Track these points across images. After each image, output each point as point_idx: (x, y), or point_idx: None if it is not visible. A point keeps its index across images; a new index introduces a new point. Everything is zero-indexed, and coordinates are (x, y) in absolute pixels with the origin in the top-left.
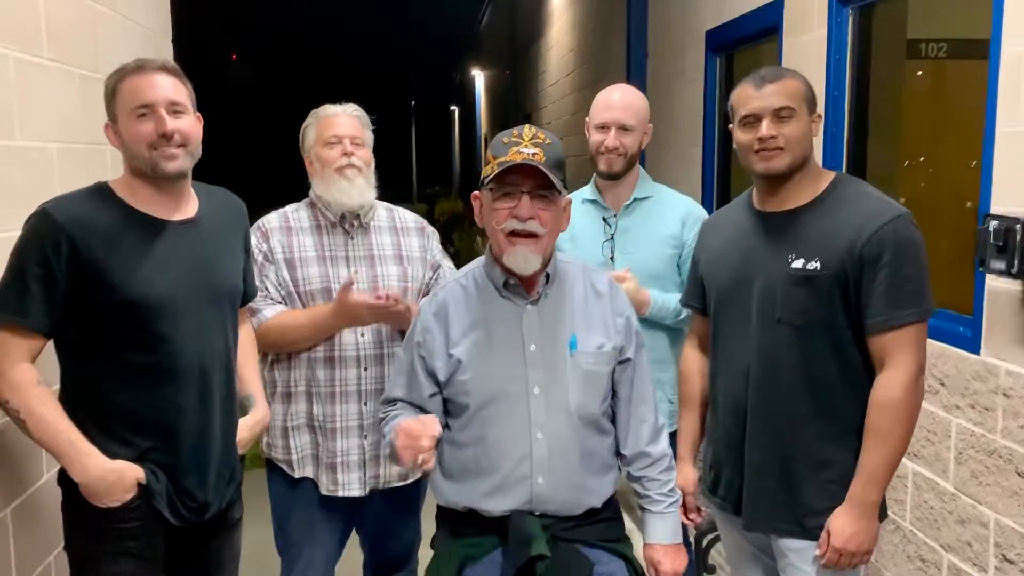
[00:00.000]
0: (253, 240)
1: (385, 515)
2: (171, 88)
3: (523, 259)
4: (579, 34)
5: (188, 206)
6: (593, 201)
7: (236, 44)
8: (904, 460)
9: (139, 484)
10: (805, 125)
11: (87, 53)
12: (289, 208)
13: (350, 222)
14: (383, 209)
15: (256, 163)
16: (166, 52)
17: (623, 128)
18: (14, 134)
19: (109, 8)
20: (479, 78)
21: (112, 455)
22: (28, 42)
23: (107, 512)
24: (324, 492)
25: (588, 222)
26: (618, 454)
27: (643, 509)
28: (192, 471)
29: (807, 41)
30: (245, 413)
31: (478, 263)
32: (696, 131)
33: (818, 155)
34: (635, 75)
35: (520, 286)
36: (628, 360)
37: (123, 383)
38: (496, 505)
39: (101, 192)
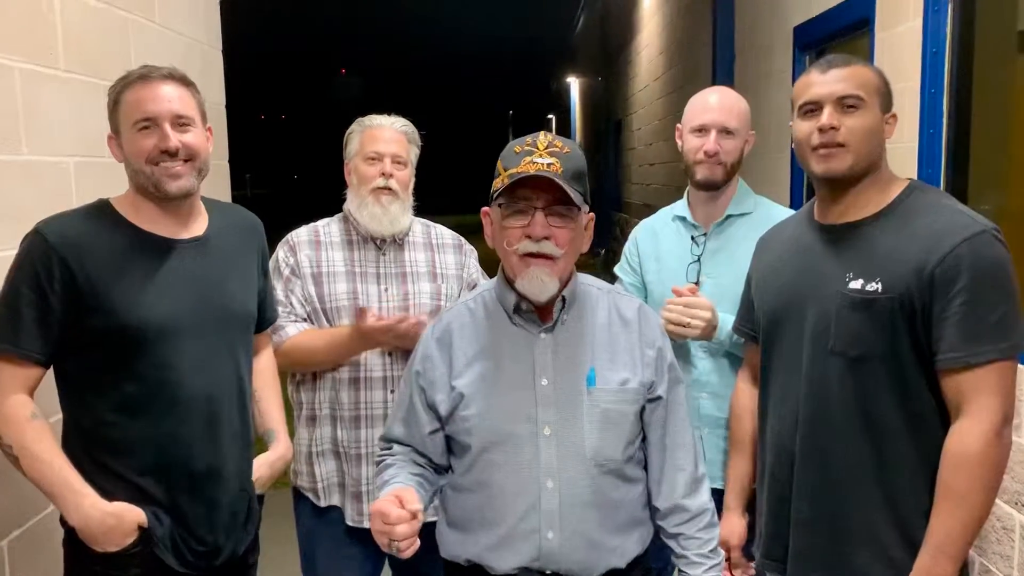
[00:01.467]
0: (280, 254)
1: (418, 551)
2: (177, 100)
3: (538, 283)
4: (668, 37)
5: (196, 224)
6: (682, 218)
7: (344, 59)
8: (1011, 510)
9: (140, 528)
10: (875, 121)
11: (118, 64)
12: (321, 222)
13: (382, 238)
14: (419, 225)
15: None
16: (215, 63)
17: (724, 131)
18: (20, 148)
19: (144, 18)
20: (574, 85)
21: (110, 495)
22: (40, 54)
23: (106, 557)
24: (349, 523)
25: (676, 242)
26: (651, 506)
27: (680, 571)
28: (199, 512)
29: (901, 33)
30: (266, 449)
31: (490, 284)
32: (784, 136)
33: (913, 159)
34: (721, 77)
35: (533, 311)
36: (659, 398)
37: (122, 416)
38: (502, 561)
39: (101, 210)
